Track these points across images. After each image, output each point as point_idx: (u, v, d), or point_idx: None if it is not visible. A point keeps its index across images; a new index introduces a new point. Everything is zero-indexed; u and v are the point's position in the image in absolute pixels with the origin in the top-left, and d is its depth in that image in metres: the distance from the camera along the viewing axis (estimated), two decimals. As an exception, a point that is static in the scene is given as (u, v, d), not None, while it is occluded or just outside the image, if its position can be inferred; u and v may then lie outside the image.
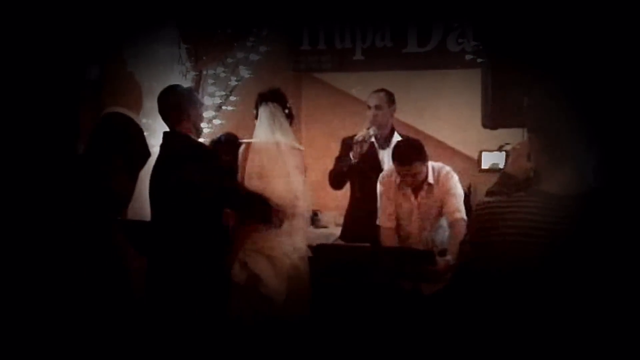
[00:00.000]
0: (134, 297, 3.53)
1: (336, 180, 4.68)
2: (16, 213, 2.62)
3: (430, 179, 4.12)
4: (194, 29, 4.87)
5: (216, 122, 5.12)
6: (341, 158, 4.63)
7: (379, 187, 4.33)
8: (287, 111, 3.96)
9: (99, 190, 2.95)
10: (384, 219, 4.25)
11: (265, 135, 3.87)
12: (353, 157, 4.50)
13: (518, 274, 1.96)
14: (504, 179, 2.35)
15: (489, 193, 2.36)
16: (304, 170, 4.00)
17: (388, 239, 4.21)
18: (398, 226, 4.25)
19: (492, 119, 3.25)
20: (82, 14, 3.69)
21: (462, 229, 3.84)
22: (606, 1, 2.75)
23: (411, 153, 4.01)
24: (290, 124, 4.01)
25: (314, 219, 5.95)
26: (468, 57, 5.29)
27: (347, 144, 4.70)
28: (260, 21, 5.40)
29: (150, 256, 3.67)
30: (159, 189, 3.69)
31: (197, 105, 3.88)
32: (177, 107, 3.74)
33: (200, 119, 3.93)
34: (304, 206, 3.95)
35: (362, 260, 3.73)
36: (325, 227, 6.03)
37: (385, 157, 4.67)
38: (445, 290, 3.81)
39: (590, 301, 1.87)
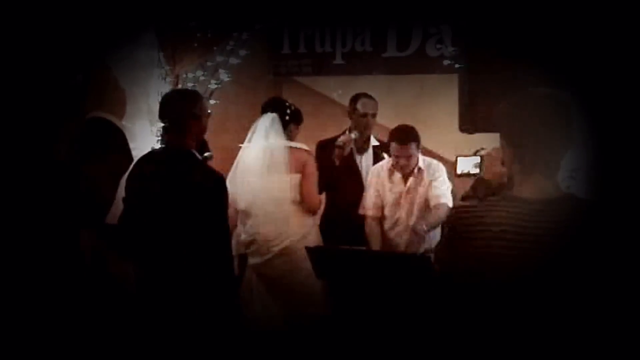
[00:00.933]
0: (119, 302, 3.49)
1: (320, 184, 4.64)
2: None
3: (421, 164, 4.22)
4: (172, 32, 4.86)
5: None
6: (323, 162, 4.60)
7: (369, 177, 4.45)
8: (287, 117, 4.23)
9: (80, 196, 2.91)
10: (369, 207, 4.38)
11: (257, 140, 4.17)
12: (337, 160, 4.51)
13: (490, 276, 1.98)
14: (478, 184, 2.38)
15: (464, 197, 2.39)
16: (301, 167, 4.16)
17: (371, 227, 4.34)
18: (386, 214, 4.35)
19: (469, 124, 3.28)
20: (66, 18, 3.67)
21: (444, 211, 3.80)
22: (583, 12, 2.79)
23: (409, 133, 4.15)
24: (298, 124, 4.31)
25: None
26: (446, 62, 5.33)
27: (323, 147, 4.73)
28: (241, 25, 5.41)
29: (137, 261, 3.59)
30: (153, 206, 3.22)
31: (206, 115, 3.36)
32: (192, 116, 3.24)
33: (204, 132, 3.44)
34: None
35: (356, 263, 3.76)
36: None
37: (363, 162, 4.73)
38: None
39: (562, 304, 1.89)
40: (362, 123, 4.64)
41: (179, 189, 3.11)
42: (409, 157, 4.14)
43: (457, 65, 4.59)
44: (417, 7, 5.58)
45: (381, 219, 4.38)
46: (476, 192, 2.35)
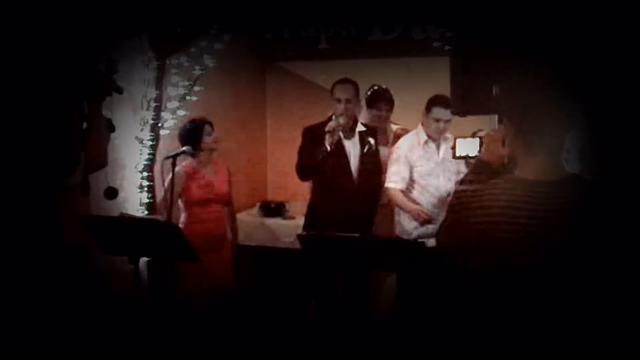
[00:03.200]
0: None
1: (308, 170, 4.63)
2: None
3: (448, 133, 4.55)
4: (155, 17, 4.75)
5: (180, 112, 5.02)
6: (311, 147, 4.56)
7: (396, 150, 4.67)
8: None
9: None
10: (397, 180, 4.63)
11: None
12: (329, 146, 4.47)
13: (494, 259, 1.94)
14: (478, 166, 2.32)
15: (463, 181, 2.33)
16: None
17: (400, 198, 4.62)
18: (421, 183, 4.61)
19: (462, 106, 3.21)
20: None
21: None
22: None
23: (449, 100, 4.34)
24: (368, 106, 5.11)
25: (282, 210, 5.89)
26: (436, 44, 5.25)
27: (310, 133, 4.69)
28: (224, 9, 5.30)
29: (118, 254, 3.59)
30: None
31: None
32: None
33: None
34: None
35: (350, 249, 3.74)
36: (292, 218, 5.95)
37: (351, 147, 4.70)
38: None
39: (567, 287, 1.86)
40: (337, 108, 4.62)
41: None
42: (449, 120, 4.44)
43: (446, 47, 4.52)
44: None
45: (407, 190, 4.65)
46: (476, 174, 2.29)
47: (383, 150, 4.88)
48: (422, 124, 4.66)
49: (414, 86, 5.88)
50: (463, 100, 3.24)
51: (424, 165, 4.61)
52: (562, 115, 1.92)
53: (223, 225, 4.64)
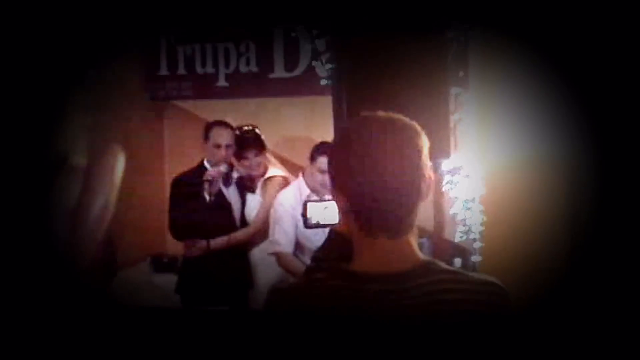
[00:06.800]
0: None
1: (185, 229, 4.10)
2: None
3: None
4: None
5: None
6: (186, 201, 4.06)
7: (279, 207, 3.99)
8: None
9: None
10: (285, 244, 3.98)
11: None
12: (208, 196, 3.97)
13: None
14: (331, 240, 1.78)
15: (313, 259, 1.79)
16: None
17: (293, 263, 3.93)
18: (309, 246, 3.87)
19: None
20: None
21: None
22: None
23: None
24: None
25: (176, 266, 5.30)
26: (323, 82, 4.78)
27: (180, 184, 4.22)
28: (112, 41, 4.77)
29: None
30: None
31: None
32: None
33: None
34: None
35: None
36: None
37: (232, 196, 4.23)
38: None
39: None
40: (216, 155, 4.16)
41: None
42: None
43: (324, 82, 4.07)
44: (305, 23, 5.06)
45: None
46: (326, 252, 1.75)
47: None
48: (304, 175, 4.11)
49: (320, 126, 5.44)
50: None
51: None
52: (407, 174, 1.37)
53: None
